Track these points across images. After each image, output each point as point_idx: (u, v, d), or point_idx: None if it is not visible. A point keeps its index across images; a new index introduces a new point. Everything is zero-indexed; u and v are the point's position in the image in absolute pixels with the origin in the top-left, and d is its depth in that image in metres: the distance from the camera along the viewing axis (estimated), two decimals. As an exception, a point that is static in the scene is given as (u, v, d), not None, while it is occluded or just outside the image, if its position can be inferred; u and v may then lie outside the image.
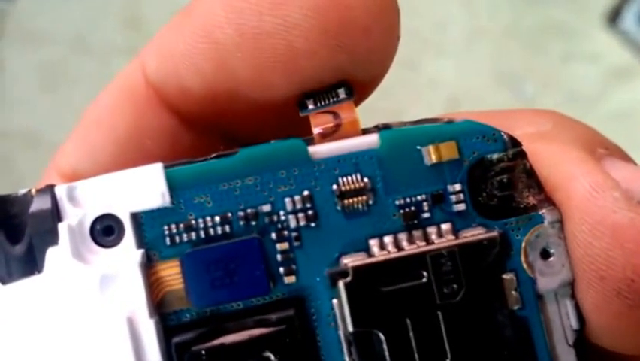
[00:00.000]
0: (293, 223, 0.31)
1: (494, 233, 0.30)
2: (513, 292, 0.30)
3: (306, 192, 0.31)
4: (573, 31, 1.18)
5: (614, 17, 1.16)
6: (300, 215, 0.31)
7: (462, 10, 1.20)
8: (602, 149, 0.32)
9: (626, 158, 0.32)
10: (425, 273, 0.30)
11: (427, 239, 0.31)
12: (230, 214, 0.30)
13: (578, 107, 1.15)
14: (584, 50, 1.18)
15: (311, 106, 0.32)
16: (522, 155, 0.31)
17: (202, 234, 0.30)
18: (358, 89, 0.33)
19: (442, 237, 0.31)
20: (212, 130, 0.37)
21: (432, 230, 0.31)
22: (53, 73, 1.14)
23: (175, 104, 0.36)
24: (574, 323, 0.31)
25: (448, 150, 0.31)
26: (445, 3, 1.19)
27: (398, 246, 0.31)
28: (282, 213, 0.31)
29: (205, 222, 0.30)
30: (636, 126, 1.14)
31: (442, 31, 1.17)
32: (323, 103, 0.32)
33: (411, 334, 0.30)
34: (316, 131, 0.32)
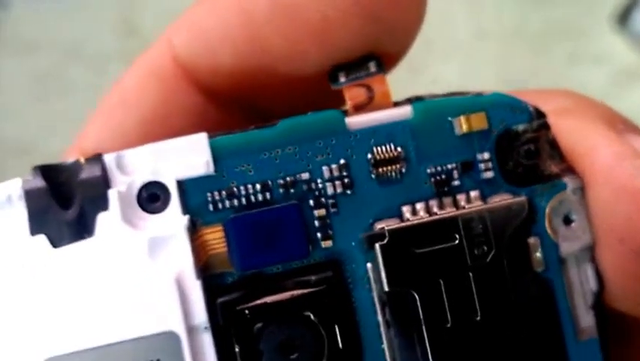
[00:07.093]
0: (330, 191, 0.32)
1: (522, 198, 0.32)
2: (537, 255, 0.32)
3: (342, 161, 0.32)
4: (580, 32, 1.16)
5: (623, 18, 1.16)
6: (337, 183, 0.32)
7: (468, 11, 1.20)
8: (621, 125, 0.33)
9: None
10: (457, 236, 0.32)
11: (456, 205, 0.32)
12: (270, 182, 0.32)
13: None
14: (592, 52, 1.17)
15: (342, 79, 0.34)
16: (546, 126, 0.33)
17: (244, 200, 0.32)
18: (386, 61, 0.34)
19: (471, 203, 0.32)
20: (240, 106, 0.38)
21: (461, 197, 0.32)
22: (47, 81, 1.13)
23: (205, 80, 0.37)
24: (593, 285, 0.33)
25: (478, 121, 0.32)
26: (451, 5, 1.18)
27: (429, 212, 0.32)
28: (319, 181, 0.32)
29: (247, 189, 0.32)
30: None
31: (447, 34, 1.17)
32: (354, 76, 0.34)
33: (444, 293, 0.32)
34: (350, 103, 0.33)
